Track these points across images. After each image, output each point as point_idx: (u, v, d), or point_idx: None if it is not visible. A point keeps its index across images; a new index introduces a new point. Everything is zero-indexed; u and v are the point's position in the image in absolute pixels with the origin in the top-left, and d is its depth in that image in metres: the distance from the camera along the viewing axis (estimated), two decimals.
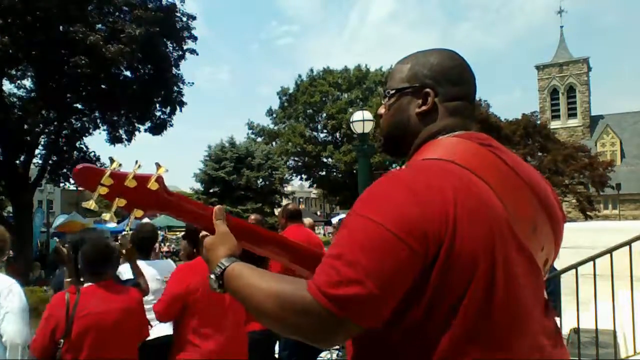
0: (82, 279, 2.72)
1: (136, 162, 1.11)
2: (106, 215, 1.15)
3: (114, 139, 16.58)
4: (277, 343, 4.23)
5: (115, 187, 1.08)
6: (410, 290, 0.86)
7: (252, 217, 4.40)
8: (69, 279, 3.07)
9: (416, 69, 1.10)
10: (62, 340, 2.44)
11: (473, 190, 0.91)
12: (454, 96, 1.07)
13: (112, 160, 1.10)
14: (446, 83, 1.07)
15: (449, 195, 0.87)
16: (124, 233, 4.19)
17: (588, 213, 31.88)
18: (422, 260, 0.85)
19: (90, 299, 2.53)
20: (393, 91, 1.12)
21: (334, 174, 34.73)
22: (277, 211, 25.90)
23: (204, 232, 1.16)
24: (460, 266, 0.86)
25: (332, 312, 0.83)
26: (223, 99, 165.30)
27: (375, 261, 0.83)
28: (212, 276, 1.05)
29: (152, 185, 1.09)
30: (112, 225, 13.32)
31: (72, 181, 17.22)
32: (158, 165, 1.12)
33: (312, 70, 35.68)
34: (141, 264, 3.58)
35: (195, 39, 16.16)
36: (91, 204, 1.10)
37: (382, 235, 0.84)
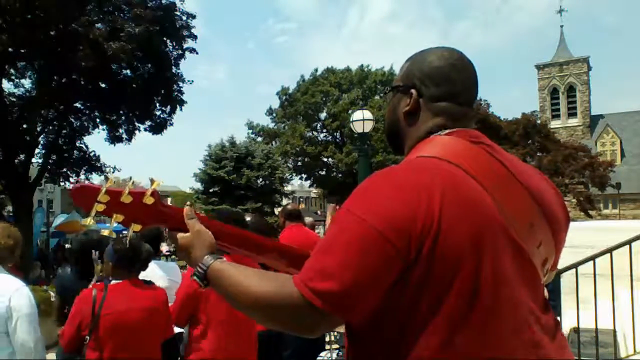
0: (103, 277, 2.73)
1: (130, 178, 1.15)
2: (105, 231, 1.20)
3: (113, 138, 16.55)
4: None
5: (112, 204, 1.10)
6: (395, 286, 0.88)
7: (248, 218, 4.39)
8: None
9: (411, 67, 1.12)
10: (87, 337, 2.48)
11: (462, 188, 0.92)
12: (436, 97, 1.08)
13: (107, 178, 1.14)
14: (430, 83, 1.08)
15: (436, 193, 0.88)
16: (124, 232, 4.18)
17: (590, 212, 31.86)
18: (405, 258, 0.86)
19: (118, 297, 2.57)
20: (390, 89, 1.16)
21: (334, 173, 34.71)
22: (277, 211, 25.90)
23: (180, 234, 1.16)
24: (445, 263, 0.87)
25: (315, 304, 0.86)
26: (221, 98, 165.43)
27: (358, 257, 0.86)
28: (195, 277, 1.07)
29: (148, 200, 1.12)
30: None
31: (72, 180, 17.21)
32: (152, 180, 1.14)
33: (316, 70, 35.71)
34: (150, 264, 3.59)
35: (195, 37, 16.13)
36: (89, 221, 1.15)
37: (366, 233, 0.86)
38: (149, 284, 2.83)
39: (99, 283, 2.69)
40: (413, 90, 1.09)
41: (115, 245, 2.70)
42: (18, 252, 2.80)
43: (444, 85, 1.07)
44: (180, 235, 1.14)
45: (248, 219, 4.35)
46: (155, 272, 3.44)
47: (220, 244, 1.17)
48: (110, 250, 2.70)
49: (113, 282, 2.67)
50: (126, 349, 2.52)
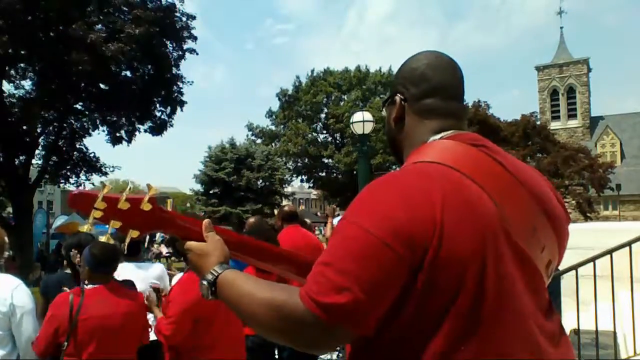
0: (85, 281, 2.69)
1: (128, 184, 1.12)
2: (103, 238, 1.19)
3: (114, 140, 16.57)
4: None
5: (109, 210, 1.10)
6: (400, 293, 0.86)
7: (251, 220, 4.39)
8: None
9: (394, 78, 1.16)
10: (65, 343, 2.43)
11: (463, 192, 0.90)
12: (417, 96, 1.09)
13: (103, 184, 1.13)
14: (410, 85, 1.10)
15: (437, 199, 0.87)
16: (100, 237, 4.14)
17: (588, 214, 31.85)
18: (409, 265, 0.85)
19: (95, 301, 2.52)
20: (383, 107, 1.19)
21: (334, 175, 34.70)
22: (277, 212, 25.88)
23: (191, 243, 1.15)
24: (449, 269, 0.85)
25: (323, 319, 0.84)
26: (220, 99, 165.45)
27: (363, 268, 0.84)
28: (205, 283, 1.06)
29: (145, 206, 1.12)
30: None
31: (72, 182, 17.23)
32: (149, 186, 1.14)
33: (312, 71, 35.63)
34: (129, 266, 3.53)
35: (195, 38, 16.17)
36: (87, 228, 1.15)
37: (369, 242, 0.85)
38: (128, 284, 2.77)
39: (76, 288, 2.61)
40: (397, 96, 1.11)
41: (92, 249, 2.61)
42: (4, 251, 2.85)
43: (422, 84, 1.08)
44: (195, 243, 1.13)
45: (251, 220, 4.35)
46: (134, 275, 3.37)
47: (233, 254, 1.16)
48: (87, 254, 2.60)
49: (89, 286, 2.57)
50: (104, 353, 2.48)
